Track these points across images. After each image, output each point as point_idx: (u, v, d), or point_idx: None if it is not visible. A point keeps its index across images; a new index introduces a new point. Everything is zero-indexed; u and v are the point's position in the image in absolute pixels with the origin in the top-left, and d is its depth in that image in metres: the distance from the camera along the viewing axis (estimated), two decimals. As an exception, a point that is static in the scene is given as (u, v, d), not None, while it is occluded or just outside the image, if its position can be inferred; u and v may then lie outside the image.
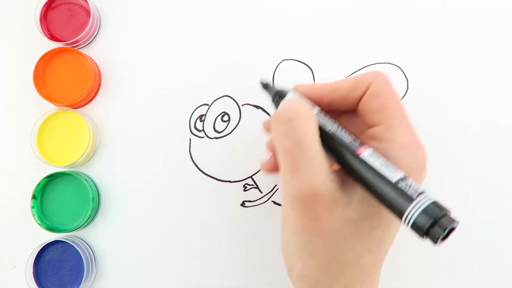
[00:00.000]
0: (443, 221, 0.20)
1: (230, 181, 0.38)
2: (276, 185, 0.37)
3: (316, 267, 0.25)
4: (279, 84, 0.33)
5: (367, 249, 0.24)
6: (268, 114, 0.38)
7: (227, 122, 0.38)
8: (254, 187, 0.38)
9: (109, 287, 0.38)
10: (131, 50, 0.40)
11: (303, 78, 0.38)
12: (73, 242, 0.36)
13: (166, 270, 0.37)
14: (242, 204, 0.38)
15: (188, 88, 0.39)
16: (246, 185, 0.38)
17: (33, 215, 0.37)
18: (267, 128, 0.33)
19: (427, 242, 0.21)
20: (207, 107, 0.39)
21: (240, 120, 0.38)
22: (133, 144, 0.39)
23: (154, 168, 0.38)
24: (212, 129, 0.38)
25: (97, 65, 0.40)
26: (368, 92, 0.27)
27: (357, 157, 0.24)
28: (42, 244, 0.37)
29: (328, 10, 0.39)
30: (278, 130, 0.25)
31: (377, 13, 0.39)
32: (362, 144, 0.25)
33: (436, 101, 0.37)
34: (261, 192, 0.38)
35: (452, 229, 0.21)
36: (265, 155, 0.38)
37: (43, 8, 0.39)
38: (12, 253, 0.38)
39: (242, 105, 0.39)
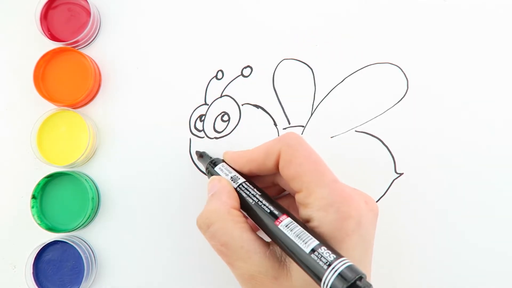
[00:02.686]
0: (359, 285, 0.22)
1: (230, 181, 0.38)
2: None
3: None
4: (211, 154, 0.36)
5: None
6: (268, 113, 0.38)
7: (227, 122, 0.38)
8: (254, 187, 0.38)
9: (109, 287, 0.38)
10: (131, 50, 0.40)
11: (303, 78, 0.38)
12: (73, 242, 0.36)
13: (166, 270, 0.37)
14: (242, 204, 0.38)
15: (188, 88, 0.39)
16: (246, 185, 0.38)
17: (33, 215, 0.37)
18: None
19: None
20: (207, 107, 0.39)
21: (240, 120, 0.38)
22: (133, 144, 0.39)
23: (154, 168, 0.38)
24: (212, 129, 0.38)
25: (97, 65, 0.40)
26: (280, 160, 0.28)
27: (276, 227, 0.26)
28: (42, 244, 0.37)
29: (328, 10, 0.39)
30: (204, 235, 0.28)
31: (377, 13, 0.39)
32: (282, 213, 0.26)
33: (436, 101, 0.37)
34: (261, 192, 0.37)
35: None
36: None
37: (43, 8, 0.40)
38: (12, 253, 0.38)
39: (242, 105, 0.39)
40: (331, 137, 0.37)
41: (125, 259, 0.38)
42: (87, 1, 0.39)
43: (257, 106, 0.38)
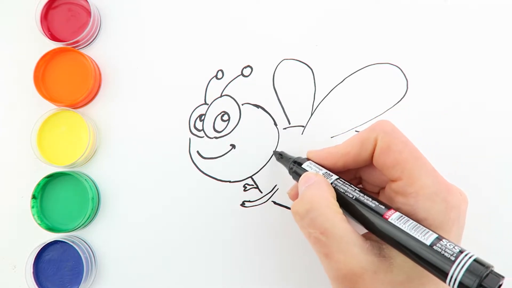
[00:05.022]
0: (490, 280, 0.20)
1: (230, 181, 0.38)
2: (276, 185, 0.37)
3: None
4: (291, 154, 0.35)
5: None
6: (268, 113, 0.38)
7: (227, 121, 0.38)
8: (254, 187, 0.38)
9: (109, 287, 0.38)
10: (131, 50, 0.40)
11: (303, 78, 0.38)
12: (72, 242, 0.36)
13: (166, 270, 0.37)
14: (242, 204, 0.38)
15: (188, 88, 0.39)
16: (246, 185, 0.38)
17: (33, 215, 0.37)
18: (294, 196, 0.33)
19: None
20: (207, 106, 0.39)
21: (240, 120, 0.38)
22: (133, 144, 0.39)
23: (154, 168, 0.38)
24: (212, 129, 0.38)
25: (97, 65, 0.40)
26: (377, 148, 0.27)
27: (386, 222, 0.24)
28: (42, 244, 0.37)
29: (328, 10, 0.39)
30: (300, 222, 0.27)
31: (377, 13, 0.39)
32: (388, 207, 0.25)
33: (436, 101, 0.37)
34: (261, 192, 0.38)
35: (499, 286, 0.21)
36: (264, 157, 0.38)
37: (43, 8, 0.40)
38: (12, 253, 0.38)
39: (242, 105, 0.39)
40: (331, 137, 0.37)
41: (125, 259, 0.38)
42: (87, 1, 0.39)
43: (257, 106, 0.38)
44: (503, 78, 0.37)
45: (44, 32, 0.39)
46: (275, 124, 0.38)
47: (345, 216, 0.26)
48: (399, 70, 0.38)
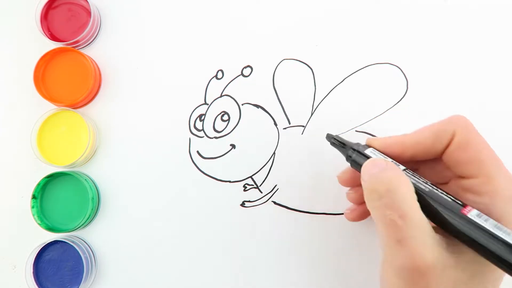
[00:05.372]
0: None
1: (230, 181, 0.38)
2: (276, 185, 0.37)
3: None
4: (347, 139, 0.32)
5: None
6: (268, 113, 0.38)
7: (227, 121, 0.38)
8: (254, 187, 0.38)
9: (109, 287, 0.38)
10: (131, 50, 0.40)
11: (303, 78, 0.38)
12: (73, 242, 0.36)
13: (166, 270, 0.37)
14: (242, 204, 0.38)
15: (188, 88, 0.39)
16: (246, 185, 0.38)
17: (33, 215, 0.37)
18: (345, 181, 0.32)
19: None
20: (207, 106, 0.39)
21: (240, 120, 0.38)
22: (133, 144, 0.39)
23: (154, 168, 0.38)
24: (212, 129, 0.38)
25: (97, 65, 0.40)
26: (453, 142, 0.26)
27: (465, 218, 0.23)
28: (42, 244, 0.37)
29: (328, 10, 0.39)
30: (376, 202, 0.25)
31: (377, 13, 0.39)
32: (463, 204, 0.24)
33: (436, 101, 0.37)
34: (261, 192, 0.38)
35: None
36: (264, 157, 0.38)
37: (43, 8, 0.40)
38: (12, 253, 0.38)
39: (242, 105, 0.39)
40: (331, 137, 0.37)
41: (125, 259, 0.38)
42: (87, 1, 0.39)
43: (257, 106, 0.38)
44: (503, 78, 0.37)
45: (44, 32, 0.39)
46: (275, 124, 0.38)
47: None
48: (399, 70, 0.38)
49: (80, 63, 0.39)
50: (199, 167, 0.38)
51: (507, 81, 0.37)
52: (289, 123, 0.38)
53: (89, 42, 0.40)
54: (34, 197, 0.37)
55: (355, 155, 0.29)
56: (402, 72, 0.38)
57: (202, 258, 0.37)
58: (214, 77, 0.39)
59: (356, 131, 0.37)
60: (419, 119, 0.37)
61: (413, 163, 0.29)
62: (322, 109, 0.38)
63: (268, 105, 0.38)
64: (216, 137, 0.38)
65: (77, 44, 0.39)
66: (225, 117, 0.38)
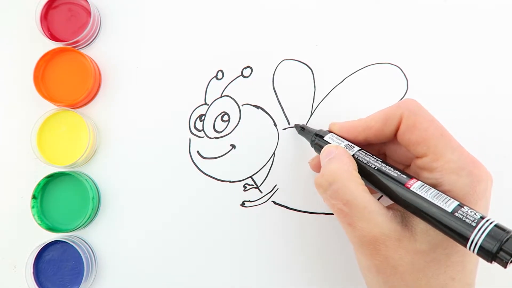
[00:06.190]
0: (510, 244, 0.21)
1: (230, 181, 0.38)
2: (276, 185, 0.37)
3: None
4: (313, 127, 0.35)
5: (449, 278, 0.25)
6: (268, 114, 0.38)
7: (227, 122, 0.38)
8: (254, 187, 0.38)
9: (109, 287, 0.38)
10: (131, 50, 0.40)
11: (303, 78, 0.38)
12: (73, 242, 0.36)
13: (166, 270, 0.37)
14: (242, 204, 0.38)
15: (188, 87, 0.39)
16: (246, 185, 0.38)
17: (33, 215, 0.37)
18: (315, 166, 0.35)
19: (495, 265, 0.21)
20: (207, 107, 0.39)
21: (240, 120, 0.38)
22: (133, 144, 0.39)
23: (154, 168, 0.38)
24: (212, 129, 0.38)
25: (97, 65, 0.40)
26: (401, 125, 0.28)
27: (408, 190, 0.25)
28: (42, 244, 0.37)
29: (328, 10, 0.39)
30: (323, 194, 0.28)
31: (377, 13, 0.39)
32: (410, 177, 0.26)
33: (436, 101, 0.37)
34: (261, 192, 0.38)
35: None
36: (264, 157, 0.38)
37: (43, 8, 0.39)
38: (12, 253, 0.38)
39: (242, 105, 0.39)
40: (331, 137, 0.37)
41: (125, 259, 0.38)
42: (87, 1, 0.39)
43: (257, 107, 0.38)
44: (503, 77, 0.37)
45: (44, 32, 0.39)
46: (275, 125, 0.38)
47: (368, 186, 0.27)
48: (399, 70, 0.38)
49: (80, 63, 0.39)
50: (199, 167, 0.38)
51: (507, 81, 0.37)
52: (289, 124, 0.38)
53: (89, 42, 0.40)
54: (34, 197, 0.37)
55: (317, 140, 0.32)
56: (402, 72, 0.38)
57: (202, 258, 0.37)
58: (214, 78, 0.39)
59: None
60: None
61: (380, 146, 0.31)
62: (322, 109, 0.38)
63: (268, 105, 0.38)
64: (216, 137, 0.38)
65: (77, 44, 0.39)
66: (225, 118, 0.38)
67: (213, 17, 0.40)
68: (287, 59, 0.39)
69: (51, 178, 0.38)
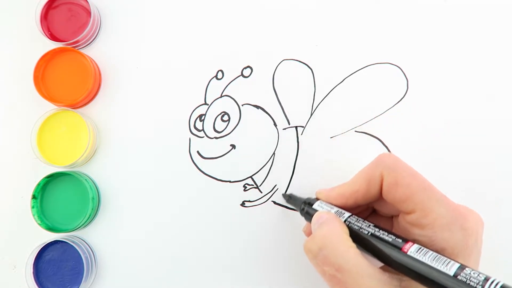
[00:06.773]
0: None
1: (230, 181, 0.38)
2: (276, 185, 0.37)
3: None
4: (300, 196, 0.34)
5: None
6: (268, 114, 0.38)
7: (227, 122, 0.38)
8: (254, 187, 0.38)
9: (109, 287, 0.38)
10: (131, 50, 0.40)
11: (303, 78, 0.38)
12: (73, 242, 0.36)
13: (166, 270, 0.37)
14: (242, 204, 0.38)
15: (188, 88, 0.39)
16: (246, 185, 0.38)
17: (33, 215, 0.37)
18: (309, 233, 0.33)
19: None
20: (207, 107, 0.39)
21: (240, 120, 0.38)
22: (133, 144, 0.39)
23: (154, 168, 0.38)
24: (212, 129, 0.38)
25: (97, 65, 0.40)
26: (384, 184, 0.27)
27: (405, 255, 0.24)
28: (42, 244, 0.37)
29: (328, 10, 0.39)
30: (313, 260, 0.27)
31: (377, 13, 0.39)
32: (405, 240, 0.25)
33: (436, 101, 0.37)
34: (261, 192, 0.38)
35: None
36: (264, 157, 0.38)
37: (43, 8, 0.40)
38: (12, 253, 0.38)
39: (242, 105, 0.39)
40: (331, 137, 0.37)
41: (125, 259, 0.38)
42: (87, 1, 0.39)
43: (257, 107, 0.38)
44: (503, 77, 0.37)
45: (44, 32, 0.39)
46: (275, 125, 0.38)
47: (362, 252, 0.26)
48: (399, 70, 0.38)
49: (80, 63, 0.39)
50: (199, 167, 0.38)
51: (507, 81, 0.37)
52: (289, 124, 0.38)
53: (89, 42, 0.40)
54: (34, 197, 0.37)
55: (306, 209, 0.31)
56: (403, 72, 0.38)
57: (202, 258, 0.37)
58: (214, 78, 0.39)
59: (356, 131, 0.37)
60: (419, 119, 0.37)
61: (368, 203, 0.31)
62: (322, 109, 0.38)
63: (268, 105, 0.38)
64: (216, 137, 0.38)
65: (77, 44, 0.39)
66: (225, 118, 0.38)
67: (213, 17, 0.40)
68: (287, 59, 0.39)
69: (51, 178, 0.38)
